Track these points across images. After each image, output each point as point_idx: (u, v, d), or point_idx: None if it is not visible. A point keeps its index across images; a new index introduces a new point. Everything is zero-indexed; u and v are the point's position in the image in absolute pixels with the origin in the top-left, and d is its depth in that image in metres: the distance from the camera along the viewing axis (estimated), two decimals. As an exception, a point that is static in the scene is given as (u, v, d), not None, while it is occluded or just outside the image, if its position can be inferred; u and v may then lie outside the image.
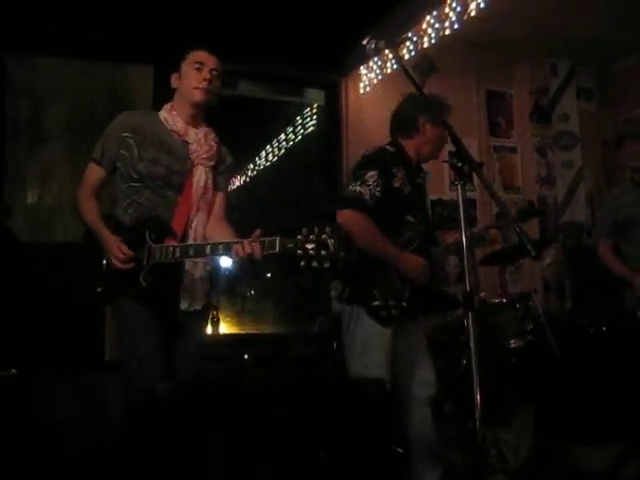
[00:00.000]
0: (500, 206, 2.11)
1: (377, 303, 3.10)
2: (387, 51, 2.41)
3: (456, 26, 4.41)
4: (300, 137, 6.47)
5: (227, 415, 2.79)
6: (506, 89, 5.95)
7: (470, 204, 5.50)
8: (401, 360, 3.19)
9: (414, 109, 3.33)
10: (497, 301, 4.32)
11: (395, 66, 4.94)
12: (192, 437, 2.40)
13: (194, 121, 2.83)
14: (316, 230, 2.33)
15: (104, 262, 2.65)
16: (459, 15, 4.34)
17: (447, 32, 4.48)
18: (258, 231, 2.44)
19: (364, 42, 2.41)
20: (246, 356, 4.78)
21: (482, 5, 4.21)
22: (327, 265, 2.31)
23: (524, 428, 3.71)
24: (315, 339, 4.72)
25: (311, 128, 6.26)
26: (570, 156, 5.98)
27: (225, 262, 5.88)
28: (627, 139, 3.90)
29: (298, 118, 6.43)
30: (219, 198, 2.90)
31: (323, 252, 2.28)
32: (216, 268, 5.77)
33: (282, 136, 6.74)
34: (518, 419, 3.66)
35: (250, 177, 7.31)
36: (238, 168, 7.16)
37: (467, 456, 3.44)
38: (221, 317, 5.47)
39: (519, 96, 5.90)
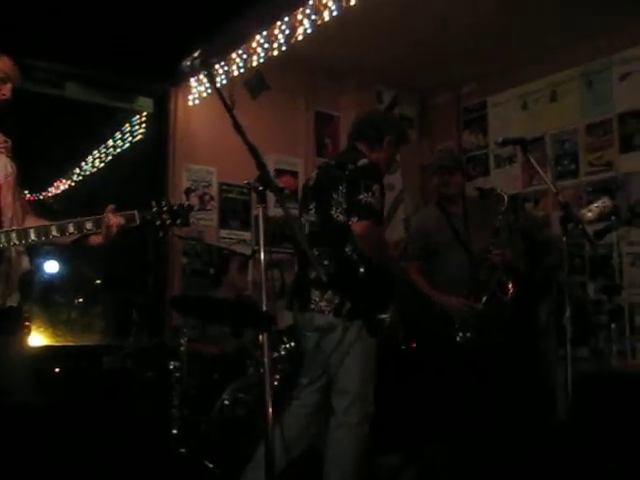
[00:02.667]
0: (291, 227, 2.18)
1: (385, 316, 3.10)
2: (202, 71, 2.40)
3: (284, 48, 4.52)
4: (128, 144, 6.33)
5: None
6: (334, 111, 6.15)
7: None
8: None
9: (384, 126, 3.40)
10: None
11: (225, 81, 4.98)
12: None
13: None
14: (164, 202, 2.53)
15: None
16: (287, 37, 4.45)
17: (275, 53, 4.59)
18: (111, 206, 2.54)
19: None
20: (57, 369, 4.60)
21: (309, 30, 4.35)
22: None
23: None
24: (134, 352, 4.62)
25: (140, 136, 6.14)
26: (391, 179, 6.28)
27: (50, 267, 5.62)
28: (440, 168, 4.19)
29: (127, 125, 6.29)
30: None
31: (179, 221, 2.41)
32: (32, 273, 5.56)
33: (110, 142, 6.57)
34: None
35: (76, 182, 7.04)
36: (64, 172, 6.91)
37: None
38: (41, 326, 5.23)
39: (346, 119, 6.10)
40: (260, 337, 2.01)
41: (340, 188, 3.13)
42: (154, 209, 2.52)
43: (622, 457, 3.69)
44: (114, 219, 2.52)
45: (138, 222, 2.53)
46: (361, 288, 3.08)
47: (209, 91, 5.15)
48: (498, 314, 3.99)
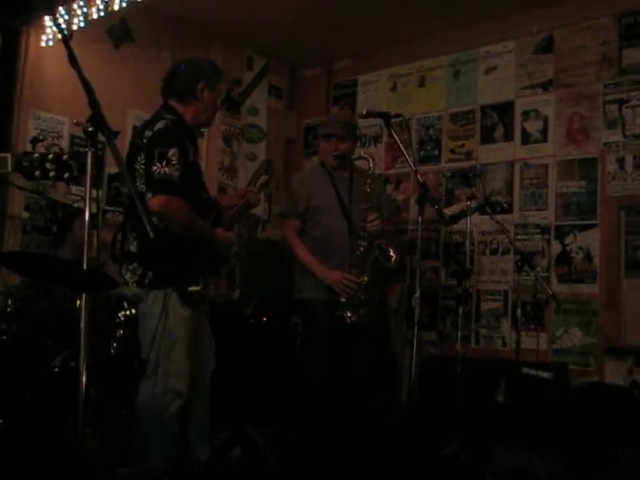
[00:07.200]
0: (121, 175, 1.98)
1: (197, 287, 2.98)
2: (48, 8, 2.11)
3: (148, -6, 4.22)
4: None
5: None
6: (201, 72, 5.89)
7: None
8: (200, 345, 3.16)
9: (193, 74, 3.18)
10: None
11: (82, 24, 4.60)
12: None
13: None
14: None
15: None
16: (153, -17, 4.16)
17: (139, -1, 4.27)
18: None
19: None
20: None
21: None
22: None
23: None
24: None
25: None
26: (255, 149, 6.13)
27: None
28: (333, 136, 4.08)
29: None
30: None
31: None
32: None
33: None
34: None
35: None
36: None
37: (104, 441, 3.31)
38: None
39: (213, 80, 5.87)
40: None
41: (139, 159, 2.98)
42: None
43: (462, 438, 3.75)
44: None
45: None
46: (163, 259, 2.97)
47: (65, 32, 4.73)
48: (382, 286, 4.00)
